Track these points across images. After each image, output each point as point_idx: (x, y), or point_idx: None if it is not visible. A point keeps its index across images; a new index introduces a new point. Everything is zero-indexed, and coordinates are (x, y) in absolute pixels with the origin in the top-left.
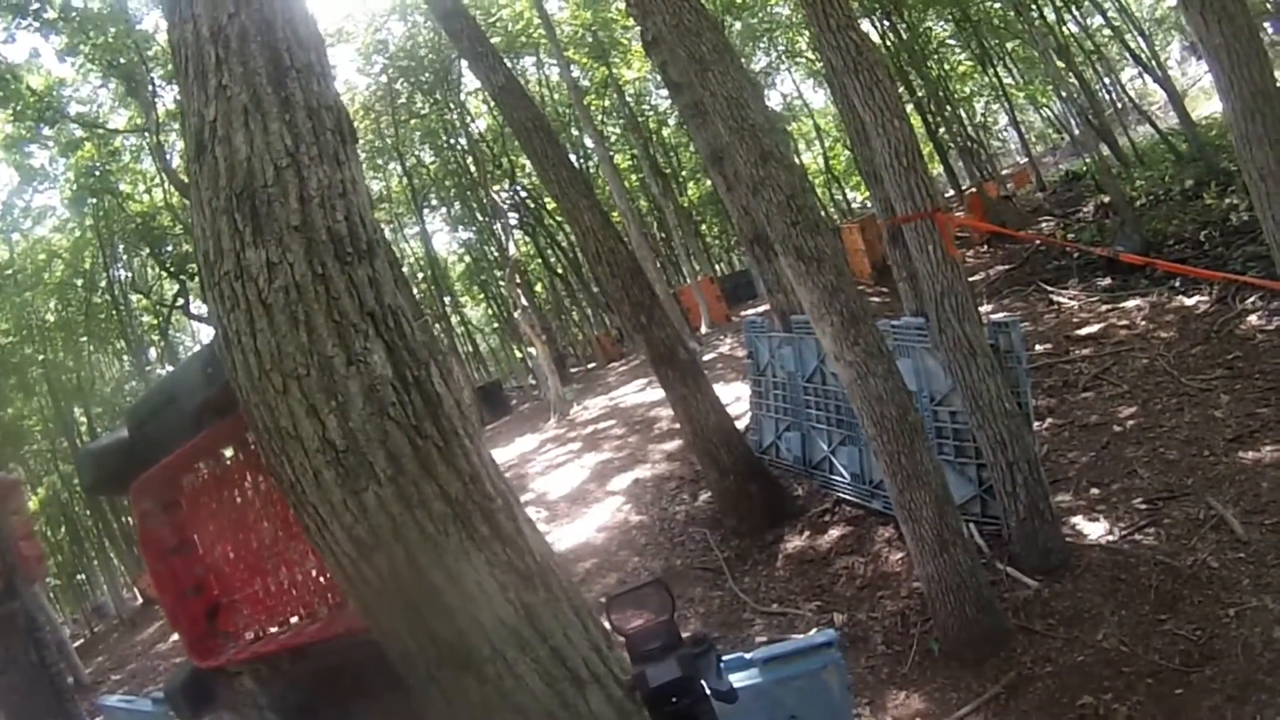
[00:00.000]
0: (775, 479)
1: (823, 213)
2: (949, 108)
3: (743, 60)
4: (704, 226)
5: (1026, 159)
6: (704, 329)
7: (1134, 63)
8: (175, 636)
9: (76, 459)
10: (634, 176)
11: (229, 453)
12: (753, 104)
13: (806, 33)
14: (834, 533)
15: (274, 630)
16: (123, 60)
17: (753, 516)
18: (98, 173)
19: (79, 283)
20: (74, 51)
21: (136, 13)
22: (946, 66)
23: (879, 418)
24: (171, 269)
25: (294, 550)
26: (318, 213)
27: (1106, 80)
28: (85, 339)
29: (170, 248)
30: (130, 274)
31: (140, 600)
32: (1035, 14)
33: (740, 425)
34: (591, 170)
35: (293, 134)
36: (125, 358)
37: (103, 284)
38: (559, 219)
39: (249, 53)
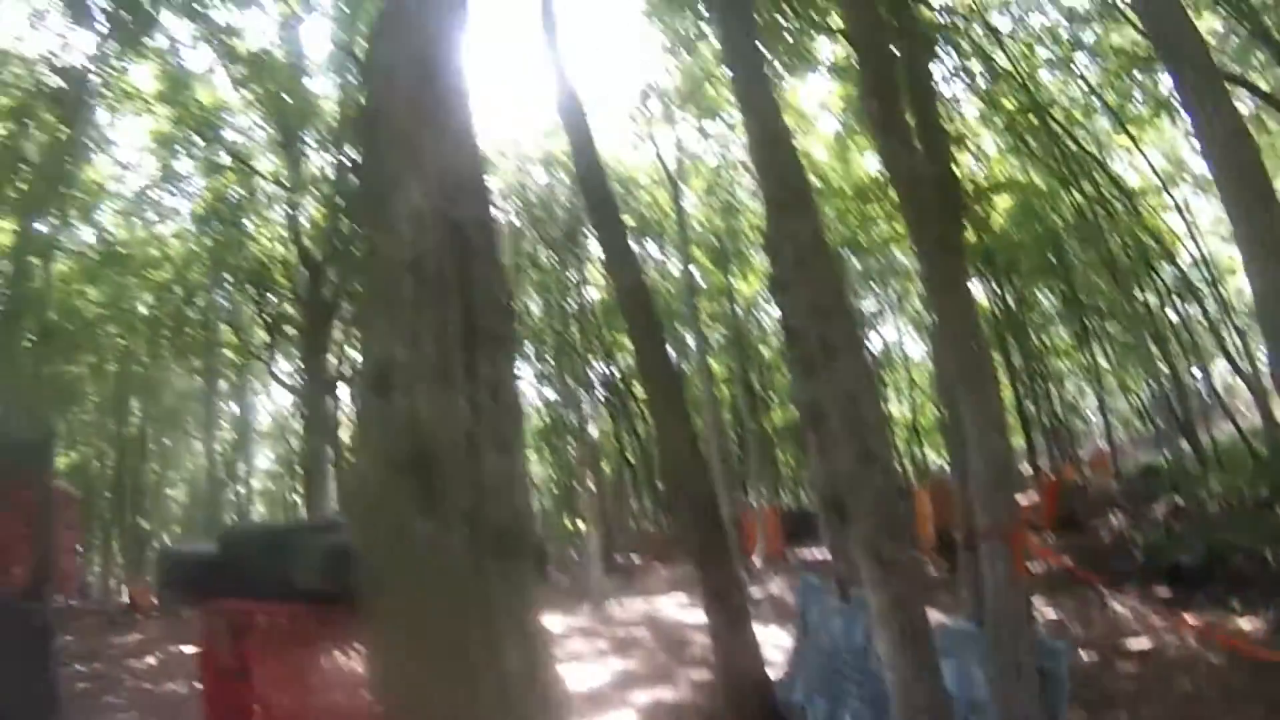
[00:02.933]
0: None
1: (898, 468)
2: (1041, 383)
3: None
4: (780, 452)
5: (1108, 445)
6: (756, 559)
7: (1224, 357)
8: (150, 658)
9: (159, 554)
10: (725, 388)
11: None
12: (866, 398)
13: (915, 284)
14: None
15: None
16: (285, 113)
17: None
18: (231, 203)
19: (179, 290)
20: (246, 85)
21: (312, 70)
22: (1046, 340)
23: None
24: (269, 320)
25: None
26: (490, 505)
27: (1197, 372)
28: (167, 341)
29: (275, 300)
30: (229, 306)
31: (127, 601)
32: (1140, 296)
33: (773, 674)
34: (687, 370)
35: (474, 411)
36: (197, 378)
37: (200, 302)
38: (644, 409)
39: (448, 302)
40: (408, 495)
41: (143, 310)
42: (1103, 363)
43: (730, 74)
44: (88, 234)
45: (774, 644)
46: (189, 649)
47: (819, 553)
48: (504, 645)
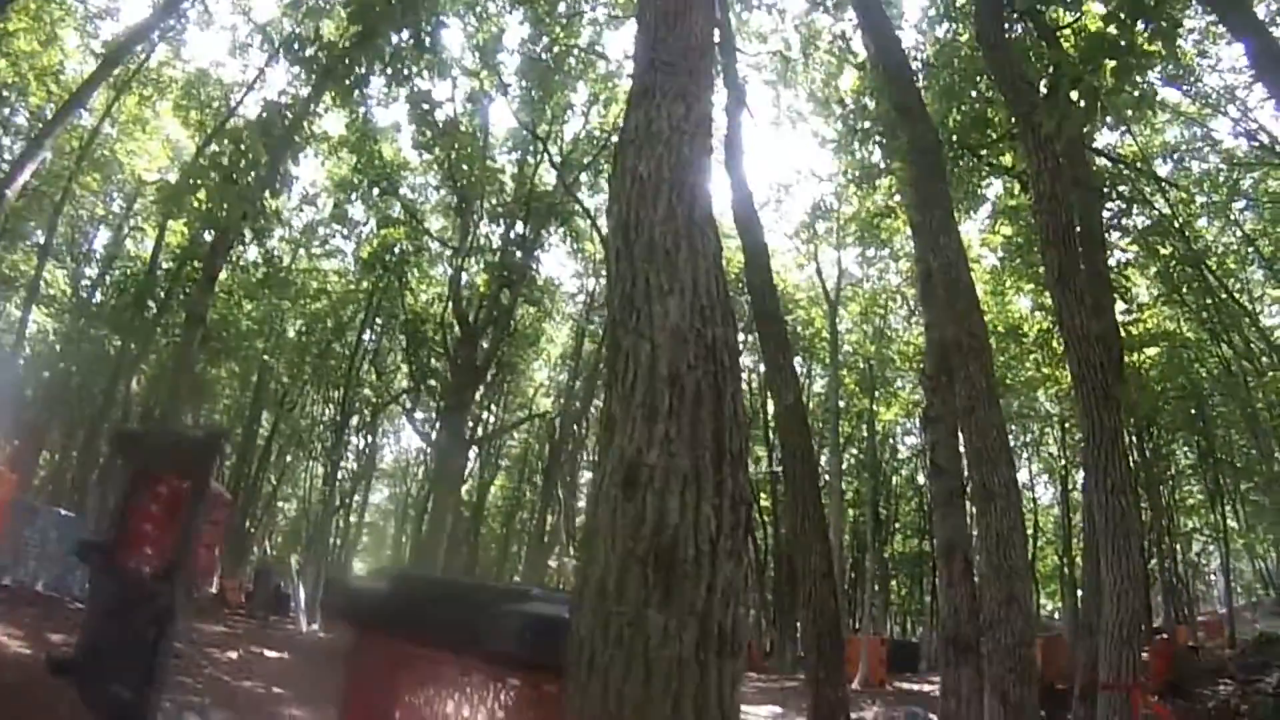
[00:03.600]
0: None
1: None
2: (1167, 540)
3: None
4: (894, 583)
5: (1225, 609)
6: (856, 685)
7: None
8: (231, 653)
9: (328, 580)
10: (851, 511)
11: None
12: (1016, 543)
13: (1053, 429)
14: None
15: None
16: (462, 181)
17: None
18: (396, 254)
19: (329, 323)
20: (429, 148)
21: (494, 144)
22: (1177, 497)
23: None
24: (414, 369)
25: None
26: (718, 606)
27: None
28: (309, 368)
29: (423, 353)
30: (376, 350)
31: (215, 591)
32: (1278, 455)
33: None
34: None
35: (718, 520)
36: (331, 406)
37: (350, 338)
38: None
39: (700, 418)
40: (647, 588)
41: (291, 333)
42: (1232, 523)
43: (914, 214)
44: (253, 253)
45: None
46: (270, 653)
47: (920, 684)
48: None
